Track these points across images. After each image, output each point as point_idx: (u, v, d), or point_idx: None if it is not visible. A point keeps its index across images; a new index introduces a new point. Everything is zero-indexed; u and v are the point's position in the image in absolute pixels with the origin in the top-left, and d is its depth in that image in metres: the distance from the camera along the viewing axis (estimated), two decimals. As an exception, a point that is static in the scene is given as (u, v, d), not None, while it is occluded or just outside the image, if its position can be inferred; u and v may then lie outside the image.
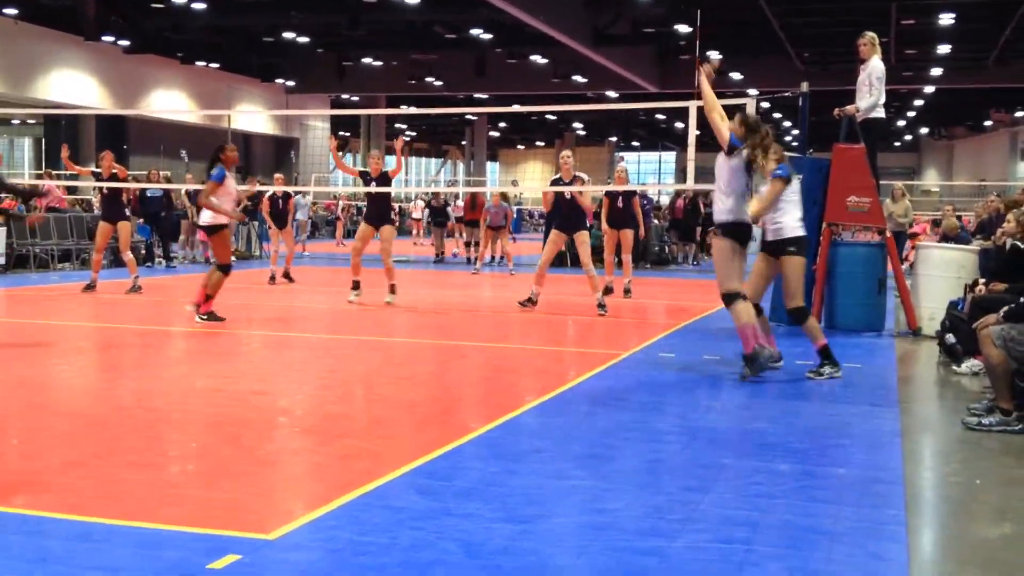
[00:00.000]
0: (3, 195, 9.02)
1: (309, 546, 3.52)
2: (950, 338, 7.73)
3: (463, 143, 51.63)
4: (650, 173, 59.86)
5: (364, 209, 13.43)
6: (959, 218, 14.53)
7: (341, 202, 30.23)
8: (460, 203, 22.12)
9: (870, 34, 9.54)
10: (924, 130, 50.58)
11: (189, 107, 30.60)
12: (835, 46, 25.74)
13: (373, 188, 11.40)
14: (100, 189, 12.89)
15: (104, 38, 25.50)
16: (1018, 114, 40.58)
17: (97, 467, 4.51)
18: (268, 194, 15.18)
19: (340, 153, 19.02)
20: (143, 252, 16.50)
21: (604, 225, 13.09)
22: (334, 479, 4.37)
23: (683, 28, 24.18)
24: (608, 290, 12.16)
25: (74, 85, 26.26)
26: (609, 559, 3.44)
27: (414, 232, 29.18)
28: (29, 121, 34.58)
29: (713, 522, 3.84)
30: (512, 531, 3.69)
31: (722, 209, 6.86)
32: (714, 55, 26.67)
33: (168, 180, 18.05)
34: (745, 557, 3.48)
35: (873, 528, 3.84)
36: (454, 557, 3.42)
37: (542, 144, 57.38)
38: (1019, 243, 7.18)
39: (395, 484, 4.23)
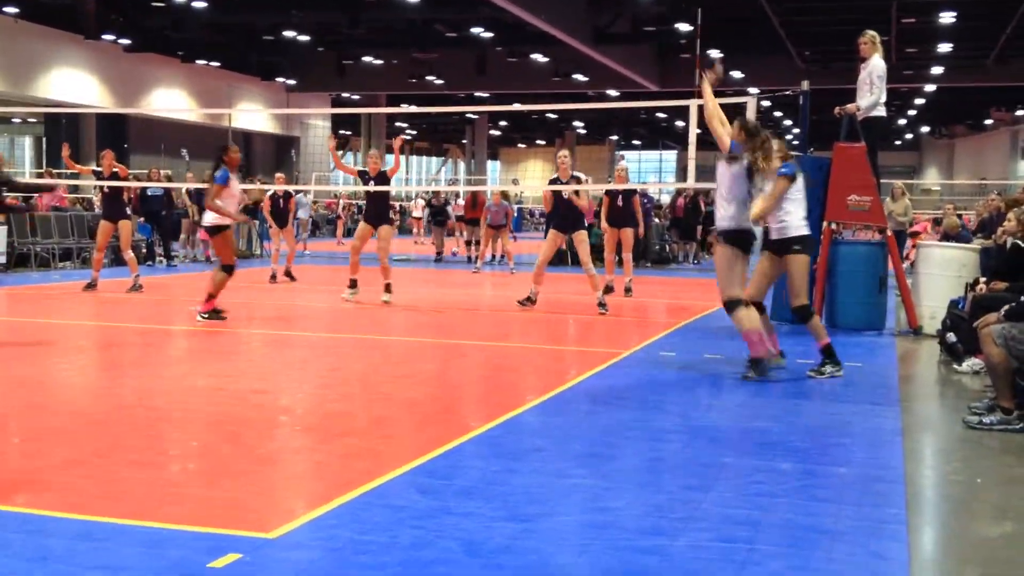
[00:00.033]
0: (7, 192, 9.04)
1: (310, 545, 3.52)
2: (951, 337, 7.73)
3: (464, 142, 51.62)
4: (651, 172, 59.86)
5: (363, 208, 13.42)
6: (959, 217, 14.51)
7: (342, 201, 30.24)
8: (461, 202, 22.13)
9: (871, 33, 9.53)
10: (925, 129, 50.55)
11: (190, 106, 30.60)
12: (836, 45, 25.70)
13: (371, 187, 11.41)
14: (101, 188, 12.89)
15: (104, 37, 25.49)
16: (1018, 113, 40.56)
17: (98, 466, 4.51)
18: (269, 193, 15.20)
19: (340, 152, 19.03)
20: (144, 251, 16.51)
21: (604, 224, 13.09)
22: (335, 478, 4.37)
23: (683, 27, 24.16)
24: (608, 289, 12.16)
25: (74, 84, 26.25)
26: (610, 558, 3.44)
27: (415, 231, 29.20)
28: (30, 120, 34.58)
29: (714, 521, 3.84)
30: (513, 530, 3.68)
31: (724, 216, 6.85)
32: (716, 55, 26.73)
33: (169, 179, 18.05)
34: (747, 556, 3.48)
35: (874, 527, 3.84)
36: (455, 556, 3.42)
37: (543, 143, 57.37)
38: (1020, 242, 7.18)
39: (396, 483, 4.23)
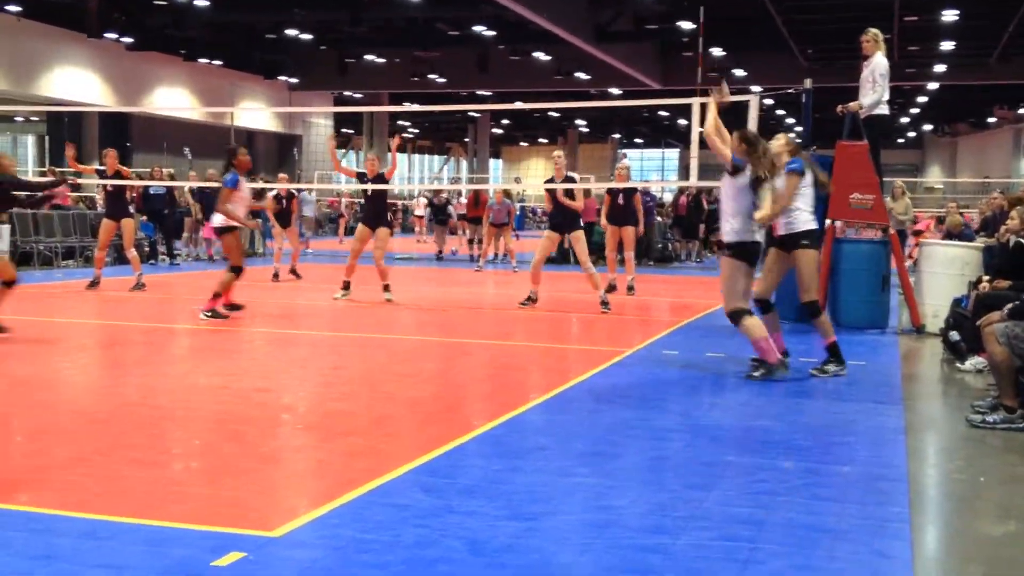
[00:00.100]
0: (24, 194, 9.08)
1: (313, 544, 3.52)
2: (954, 335, 7.72)
3: (466, 140, 51.62)
4: (653, 170, 59.82)
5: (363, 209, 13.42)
6: (962, 215, 14.50)
7: (344, 200, 30.24)
8: (463, 200, 22.13)
9: (873, 30, 9.52)
10: (927, 127, 50.49)
11: (192, 104, 30.61)
12: (838, 43, 25.68)
13: (369, 186, 11.44)
14: (104, 187, 12.92)
15: (107, 35, 25.49)
16: (1021, 111, 40.48)
17: (101, 464, 4.52)
18: (272, 194, 15.22)
19: (342, 151, 19.01)
20: (146, 249, 16.52)
21: (603, 221, 13.09)
22: (338, 476, 4.37)
23: (686, 25, 24.15)
24: (611, 287, 12.16)
25: (77, 82, 26.26)
26: (613, 556, 3.44)
27: (417, 229, 29.22)
28: (32, 119, 34.59)
29: (717, 520, 3.84)
30: (516, 528, 3.69)
31: (729, 230, 6.82)
32: (718, 54, 26.73)
33: (172, 178, 18.07)
34: (749, 555, 3.48)
35: (877, 525, 3.84)
36: (458, 555, 3.42)
37: (545, 141, 57.36)
38: (1023, 240, 7.17)
39: (399, 481, 4.23)
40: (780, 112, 41.92)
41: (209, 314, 9.31)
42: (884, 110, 9.56)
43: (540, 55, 30.02)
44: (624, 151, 55.64)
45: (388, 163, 12.40)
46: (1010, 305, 5.74)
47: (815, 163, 7.42)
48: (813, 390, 6.61)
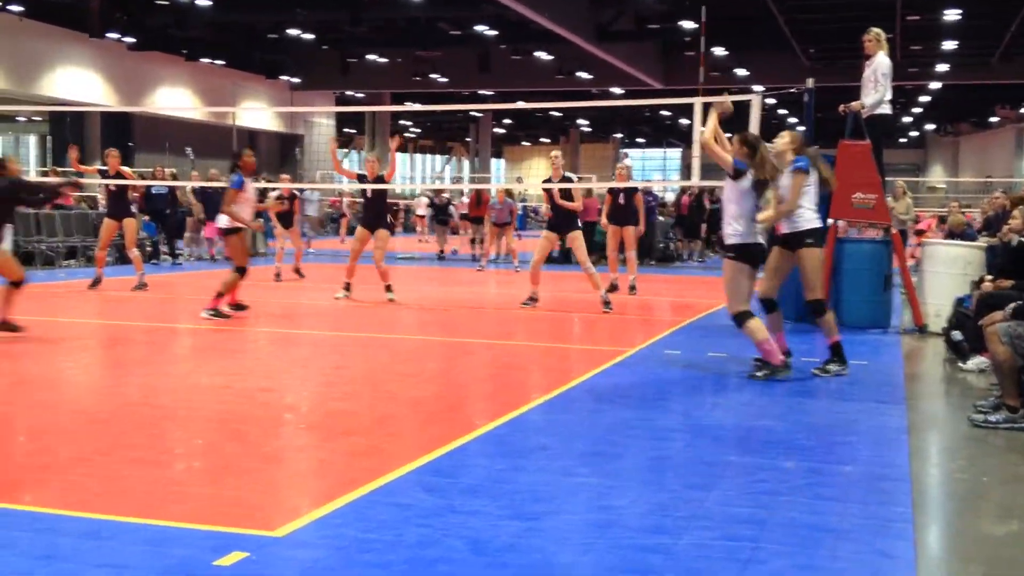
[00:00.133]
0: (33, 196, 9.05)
1: (315, 543, 3.52)
2: (956, 335, 7.71)
3: (468, 140, 51.61)
4: (655, 170, 59.79)
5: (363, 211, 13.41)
6: (963, 215, 14.48)
7: (345, 199, 30.23)
8: (465, 200, 22.13)
9: (875, 30, 9.51)
10: (929, 127, 50.44)
11: (194, 104, 30.62)
12: (841, 42, 25.66)
13: (368, 186, 11.45)
14: (106, 186, 12.94)
15: (109, 35, 25.50)
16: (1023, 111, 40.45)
17: (102, 464, 4.52)
18: (275, 194, 15.22)
19: (345, 151, 19.02)
20: (148, 249, 16.53)
21: (603, 221, 13.08)
22: (340, 476, 4.37)
23: (687, 24, 24.13)
24: (613, 287, 12.16)
25: (79, 82, 26.26)
26: (614, 556, 3.44)
27: (418, 229, 29.22)
28: (35, 119, 34.61)
29: (718, 520, 3.84)
30: (518, 528, 3.69)
31: (732, 233, 6.81)
32: (721, 53, 26.70)
33: (175, 177, 18.08)
34: (751, 555, 3.48)
35: (880, 525, 3.83)
36: (460, 554, 3.42)
37: (548, 141, 57.35)
38: (1026, 239, 7.16)
39: (401, 481, 4.23)
40: (782, 112, 41.88)
41: (211, 313, 9.32)
42: (886, 110, 9.55)
43: (541, 55, 30.01)
44: (625, 151, 55.63)
45: (388, 164, 12.39)
46: (1013, 304, 5.74)
47: (822, 159, 7.39)
48: (815, 390, 6.61)
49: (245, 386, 6.39)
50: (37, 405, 5.77)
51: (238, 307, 9.77)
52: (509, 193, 17.73)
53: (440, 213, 21.81)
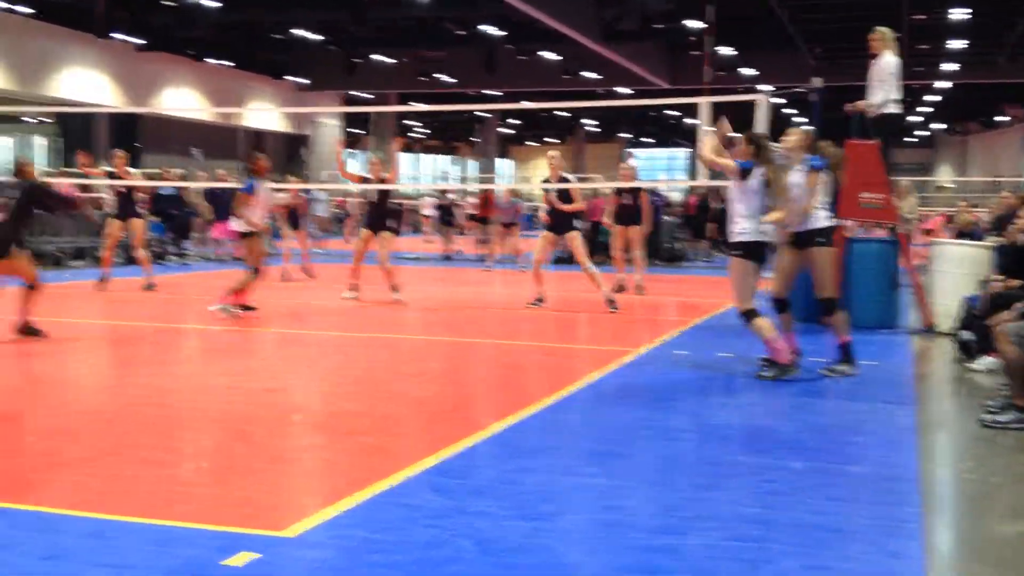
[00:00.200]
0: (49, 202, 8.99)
1: (322, 544, 3.52)
2: (965, 335, 7.68)
3: (472, 139, 51.62)
4: (661, 169, 59.71)
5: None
6: (970, 214, 14.43)
7: (350, 199, 30.26)
8: (470, 200, 22.14)
9: (882, 29, 9.48)
10: (936, 126, 50.29)
11: (201, 105, 30.69)
12: (846, 42, 25.61)
13: (371, 186, 11.46)
14: (114, 187, 12.98)
15: (116, 36, 25.57)
16: (1032, 110, 40.32)
17: (109, 464, 4.52)
18: (284, 195, 15.27)
19: (349, 150, 19.04)
20: (157, 250, 16.56)
21: (606, 220, 13.07)
22: (347, 476, 4.37)
23: (692, 23, 24.12)
24: (621, 288, 12.14)
25: (86, 83, 26.34)
26: (622, 557, 3.43)
27: (425, 229, 29.24)
28: (44, 120, 34.70)
29: (726, 520, 3.82)
30: (526, 528, 3.68)
31: (738, 231, 6.80)
32: (728, 53, 26.64)
33: (184, 179, 18.14)
34: (759, 555, 3.46)
35: (888, 526, 3.82)
36: (468, 555, 3.41)
37: (558, 141, 57.32)
38: (1033, 239, 7.13)
39: (410, 482, 4.22)
40: (791, 111, 41.80)
41: (220, 307, 9.39)
42: (893, 109, 9.51)
43: (547, 55, 30.02)
44: (630, 150, 55.59)
45: (391, 166, 12.38)
46: (1020, 304, 5.71)
47: (837, 149, 7.36)
48: (824, 390, 6.59)
49: (252, 386, 6.39)
50: (44, 404, 5.78)
51: (245, 308, 9.79)
52: (515, 193, 17.72)
53: (446, 214, 21.84)
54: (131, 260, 13.21)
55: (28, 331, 7.96)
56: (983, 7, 22.46)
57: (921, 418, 5.75)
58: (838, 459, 4.83)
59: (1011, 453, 5.14)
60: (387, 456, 4.67)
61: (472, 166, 54.79)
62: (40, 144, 37.57)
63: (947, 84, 32.35)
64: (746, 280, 6.81)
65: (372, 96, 36.40)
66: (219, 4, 24.40)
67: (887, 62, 9.30)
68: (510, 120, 49.86)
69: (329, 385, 6.61)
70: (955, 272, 9.19)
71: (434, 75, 32.42)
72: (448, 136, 57.01)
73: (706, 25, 22.29)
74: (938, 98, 38.08)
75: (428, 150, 58.08)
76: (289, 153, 36.61)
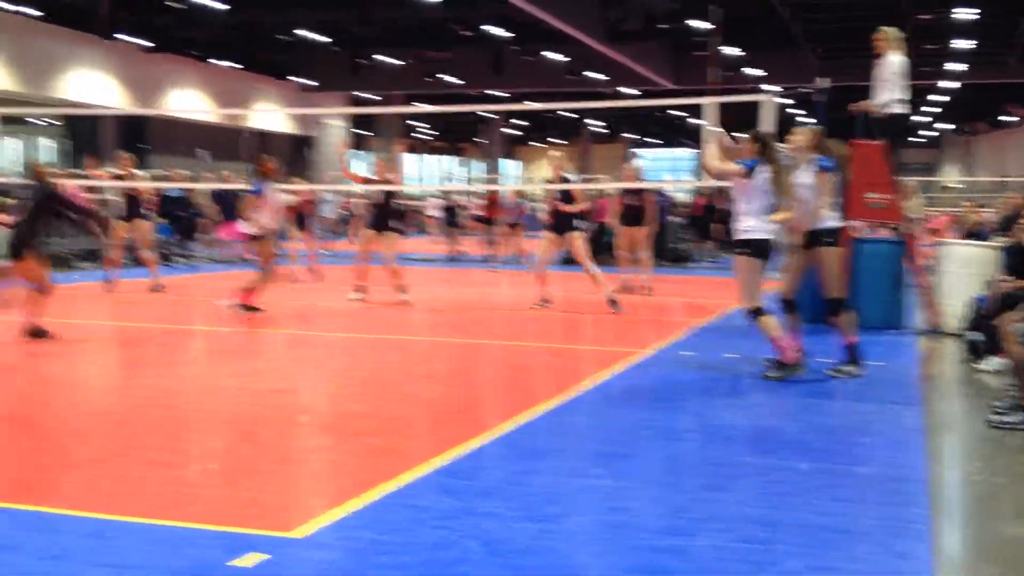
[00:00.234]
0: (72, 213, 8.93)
1: (330, 545, 3.53)
2: (972, 335, 7.67)
3: (477, 140, 51.63)
4: (666, 170, 59.68)
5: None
6: (976, 215, 14.38)
7: (356, 200, 30.30)
8: (476, 201, 22.16)
9: (886, 29, 9.47)
10: (943, 125, 50.17)
11: (207, 106, 30.74)
12: (851, 42, 25.57)
13: (375, 187, 11.48)
14: (121, 189, 13.02)
15: (121, 37, 25.62)
16: (1039, 110, 40.20)
17: (117, 465, 4.54)
18: (291, 197, 15.28)
19: (352, 150, 19.08)
20: (164, 251, 16.60)
21: (609, 220, 13.07)
22: (355, 477, 4.38)
23: (697, 24, 24.10)
24: (628, 289, 12.13)
25: (93, 85, 26.39)
26: (629, 558, 3.44)
27: (430, 230, 29.27)
28: (52, 122, 34.79)
29: (733, 521, 3.83)
30: (533, 530, 3.69)
31: (744, 228, 6.80)
32: (736, 53, 26.62)
33: (192, 180, 18.18)
34: (765, 556, 3.47)
35: (896, 527, 3.81)
36: (476, 556, 3.42)
37: (565, 142, 57.31)
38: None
39: (417, 483, 4.23)
40: (797, 111, 41.74)
41: (229, 303, 9.44)
42: (899, 109, 9.50)
43: (552, 55, 30.02)
44: (635, 150, 55.54)
45: (395, 167, 12.40)
46: (1027, 304, 5.70)
47: (844, 147, 7.36)
48: (831, 390, 6.58)
49: (259, 387, 6.40)
50: (52, 406, 5.81)
51: (250, 309, 9.82)
52: (520, 193, 17.74)
53: (450, 215, 21.87)
54: (137, 261, 13.25)
55: (36, 333, 7.99)
56: (992, 7, 22.39)
57: (928, 419, 5.74)
58: (845, 460, 4.83)
59: (1018, 454, 5.13)
60: (394, 457, 4.68)
61: (477, 167, 54.76)
62: (47, 146, 37.71)
63: (955, 84, 32.23)
64: (752, 278, 6.81)
65: (378, 97, 36.43)
66: (224, 5, 24.43)
67: (891, 62, 9.29)
68: (515, 121, 49.85)
69: (336, 386, 6.62)
70: (962, 272, 9.17)
71: (439, 76, 32.43)
72: (453, 137, 57.03)
73: (713, 26, 22.27)
74: (945, 98, 37.94)
75: (434, 151, 58.11)
76: (294, 154, 36.67)
